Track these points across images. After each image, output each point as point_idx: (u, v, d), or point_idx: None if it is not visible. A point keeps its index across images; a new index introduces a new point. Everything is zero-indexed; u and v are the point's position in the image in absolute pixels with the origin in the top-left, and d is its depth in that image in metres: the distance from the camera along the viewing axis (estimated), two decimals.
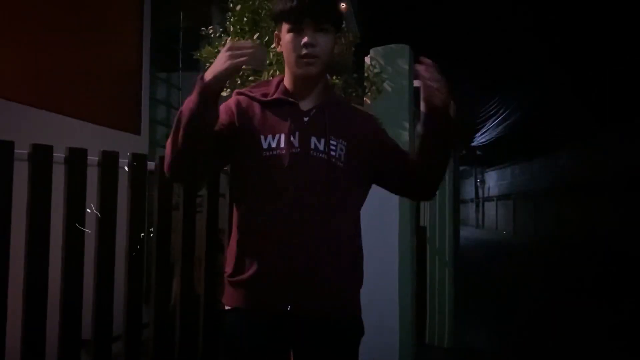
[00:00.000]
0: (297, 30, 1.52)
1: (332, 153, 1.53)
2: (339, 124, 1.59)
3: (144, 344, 2.34)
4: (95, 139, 3.51)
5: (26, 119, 2.99)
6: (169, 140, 1.44)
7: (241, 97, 1.62)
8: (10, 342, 1.79)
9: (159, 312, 2.34)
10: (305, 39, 1.51)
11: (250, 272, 1.51)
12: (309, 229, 1.49)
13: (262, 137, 1.52)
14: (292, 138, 1.52)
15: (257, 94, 1.61)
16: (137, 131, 4.13)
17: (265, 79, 2.45)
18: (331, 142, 1.54)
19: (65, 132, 3.25)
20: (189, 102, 1.39)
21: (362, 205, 1.65)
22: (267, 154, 1.51)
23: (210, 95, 1.38)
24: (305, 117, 1.57)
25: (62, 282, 1.96)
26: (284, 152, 1.51)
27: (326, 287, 1.52)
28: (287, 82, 1.62)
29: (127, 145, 3.80)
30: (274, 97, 1.59)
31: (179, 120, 1.40)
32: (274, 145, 1.52)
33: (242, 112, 1.57)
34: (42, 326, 1.89)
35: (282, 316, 1.51)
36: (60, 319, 1.96)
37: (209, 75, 1.37)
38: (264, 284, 1.50)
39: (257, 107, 1.58)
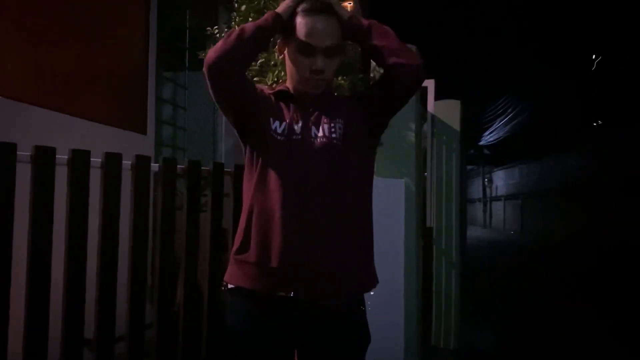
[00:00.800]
0: (307, 53, 1.56)
1: (333, 135, 1.58)
2: (335, 109, 1.64)
3: (147, 344, 2.33)
4: (100, 138, 3.51)
5: (30, 118, 2.99)
6: (225, 40, 1.54)
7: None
8: (12, 342, 1.79)
9: (162, 313, 2.34)
10: (317, 65, 1.56)
11: (256, 252, 1.52)
12: (313, 214, 1.51)
13: (271, 119, 1.58)
14: (295, 125, 1.58)
15: (261, 88, 1.70)
16: (142, 130, 4.13)
17: (270, 79, 2.44)
18: (331, 125, 1.59)
19: (70, 132, 3.25)
20: (261, 20, 1.59)
21: (370, 181, 1.69)
22: (275, 135, 1.56)
23: (280, 21, 1.58)
24: (305, 110, 1.62)
25: (64, 282, 1.96)
26: (286, 138, 1.56)
27: (333, 271, 1.52)
28: (288, 86, 1.68)
29: (132, 145, 3.81)
30: (278, 89, 1.67)
31: (242, 30, 1.56)
32: (279, 130, 1.57)
33: (260, 93, 1.65)
34: (45, 326, 1.89)
35: (285, 302, 1.51)
36: (62, 319, 1.96)
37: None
38: (268, 266, 1.50)
39: (264, 94, 1.66)
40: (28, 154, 1.80)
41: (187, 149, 5.38)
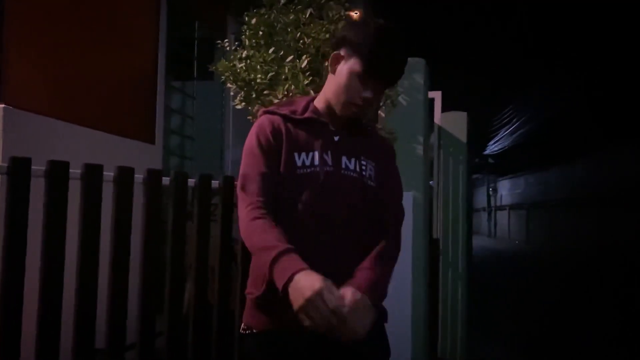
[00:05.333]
0: (365, 80, 1.52)
1: (364, 173, 1.56)
2: (367, 146, 1.61)
3: (158, 353, 2.35)
4: (109, 148, 3.53)
5: (40, 128, 3.02)
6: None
7: (271, 117, 1.61)
8: (24, 352, 1.81)
9: (172, 321, 2.36)
10: (368, 94, 1.52)
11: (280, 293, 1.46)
12: (342, 249, 1.50)
13: (296, 155, 1.53)
14: (325, 156, 1.54)
15: (286, 111, 1.61)
16: (151, 140, 4.15)
17: (280, 93, 2.47)
18: (362, 162, 1.57)
19: (79, 142, 3.28)
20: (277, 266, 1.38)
21: None
22: (301, 171, 1.52)
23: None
24: (335, 136, 1.58)
25: (76, 292, 1.98)
26: (318, 169, 1.52)
27: None
28: (320, 104, 1.62)
29: (141, 155, 3.84)
30: (305, 115, 1.59)
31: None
32: (307, 162, 1.53)
33: (275, 130, 1.57)
34: (56, 335, 1.90)
35: (313, 338, 1.49)
36: (73, 328, 1.97)
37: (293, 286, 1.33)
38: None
39: (287, 125, 1.58)
40: (42, 168, 1.82)
41: (195, 158, 5.42)
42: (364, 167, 1.57)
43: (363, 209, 1.55)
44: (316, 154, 1.53)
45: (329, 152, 1.54)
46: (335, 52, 1.58)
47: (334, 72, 1.58)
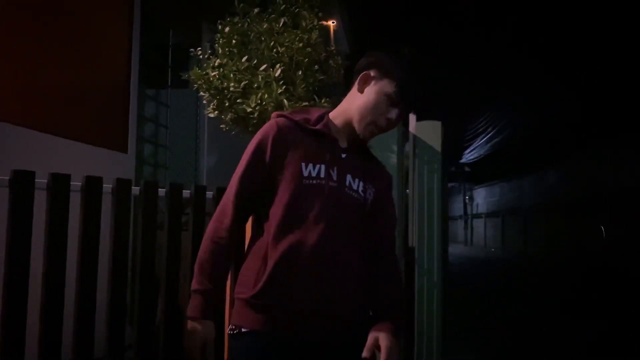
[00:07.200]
0: (394, 102, 1.56)
1: (366, 196, 1.60)
2: (371, 170, 1.65)
3: None
4: (80, 157, 3.48)
5: (8, 136, 2.95)
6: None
7: (281, 120, 1.61)
8: None
9: (142, 333, 2.31)
10: (393, 116, 1.57)
11: (275, 296, 1.50)
12: (336, 263, 1.52)
13: (303, 165, 1.54)
14: (331, 171, 1.55)
15: (299, 118, 1.61)
16: (123, 149, 4.10)
17: (253, 102, 2.45)
18: (366, 184, 1.61)
19: (50, 151, 3.22)
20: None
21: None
22: (307, 182, 1.53)
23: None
24: (343, 154, 1.60)
25: (42, 305, 1.93)
26: (323, 182, 1.54)
27: (346, 319, 1.55)
28: (337, 119, 1.65)
29: (113, 164, 3.78)
30: (317, 127, 1.60)
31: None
32: (314, 174, 1.54)
33: (281, 136, 1.57)
34: (21, 348, 1.85)
35: (301, 343, 1.51)
36: (39, 341, 1.93)
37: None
38: (287, 309, 1.50)
39: (298, 132, 1.59)
40: (6, 178, 1.78)
41: (169, 166, 5.36)
42: (367, 190, 1.60)
43: (359, 228, 1.59)
44: (323, 167, 1.55)
45: (335, 168, 1.56)
46: (365, 71, 1.61)
47: (361, 91, 1.61)
